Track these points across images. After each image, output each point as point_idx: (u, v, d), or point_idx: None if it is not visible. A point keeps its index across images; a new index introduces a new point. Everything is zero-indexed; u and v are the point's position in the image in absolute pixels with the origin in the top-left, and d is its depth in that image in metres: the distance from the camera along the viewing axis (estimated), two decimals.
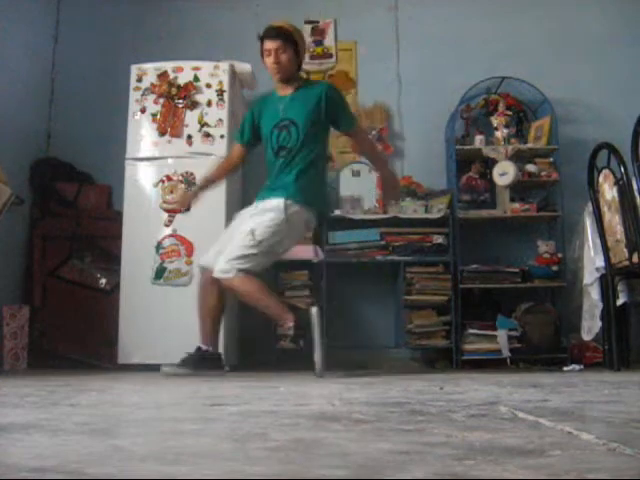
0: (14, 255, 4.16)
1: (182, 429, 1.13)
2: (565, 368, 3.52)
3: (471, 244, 4.21)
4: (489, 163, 4.32)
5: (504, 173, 4.13)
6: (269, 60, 3.04)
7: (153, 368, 3.48)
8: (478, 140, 4.30)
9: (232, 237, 2.99)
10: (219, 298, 3.04)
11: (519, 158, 4.24)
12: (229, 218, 3.79)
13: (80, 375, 3.09)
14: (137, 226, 3.76)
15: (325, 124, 3.07)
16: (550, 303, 4.20)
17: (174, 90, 3.86)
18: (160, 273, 3.69)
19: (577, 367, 3.52)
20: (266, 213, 2.95)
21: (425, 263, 4.10)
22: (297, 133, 3.01)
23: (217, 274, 2.91)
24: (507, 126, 4.30)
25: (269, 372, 3.44)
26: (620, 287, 3.42)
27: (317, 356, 2.81)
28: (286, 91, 3.10)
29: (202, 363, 2.98)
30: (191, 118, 3.84)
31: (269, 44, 3.02)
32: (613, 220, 3.31)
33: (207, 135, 3.82)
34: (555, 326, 4.07)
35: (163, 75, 3.89)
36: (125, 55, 4.34)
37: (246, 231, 2.92)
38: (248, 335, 4.10)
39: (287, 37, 3.02)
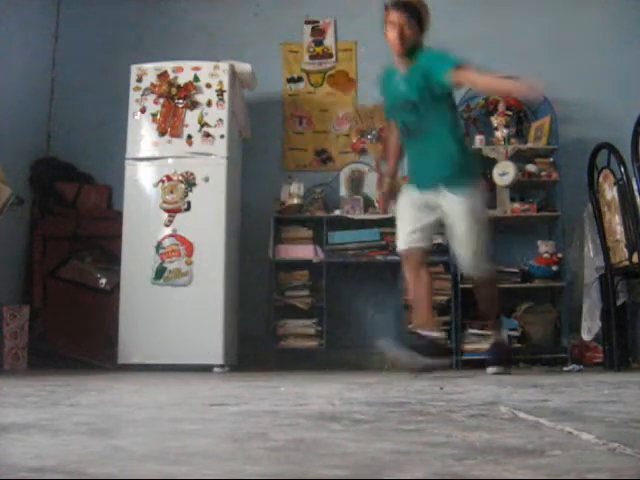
0: (14, 255, 4.16)
1: (182, 429, 1.13)
2: (565, 368, 3.52)
3: None
4: (489, 163, 4.31)
5: (504, 173, 4.13)
6: (392, 33, 2.93)
7: (153, 368, 3.48)
8: (478, 140, 4.30)
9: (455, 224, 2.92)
10: (430, 274, 3.08)
11: (519, 158, 4.24)
12: (229, 218, 3.80)
13: (80, 375, 3.09)
14: (137, 226, 3.76)
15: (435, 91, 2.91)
16: (550, 303, 4.20)
17: (174, 90, 3.86)
18: (160, 273, 3.69)
19: (577, 367, 3.51)
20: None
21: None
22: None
23: (479, 274, 3.00)
24: (507, 126, 4.30)
25: (269, 372, 3.45)
26: (620, 287, 3.42)
27: None
28: (403, 67, 3.00)
29: (435, 351, 2.85)
30: (191, 118, 3.84)
31: (394, 16, 2.92)
32: (613, 220, 3.31)
33: (207, 135, 3.82)
34: (555, 326, 4.07)
35: (163, 75, 3.89)
36: (125, 55, 4.34)
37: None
38: (248, 335, 4.10)
39: (413, 12, 2.95)
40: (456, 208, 2.88)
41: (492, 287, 3.12)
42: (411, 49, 2.94)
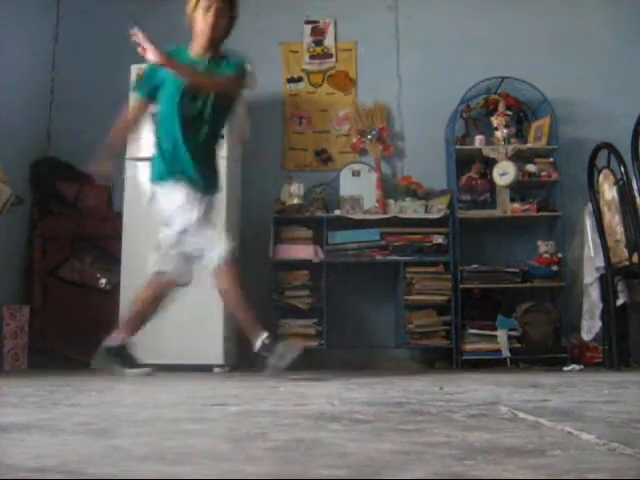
0: (14, 255, 4.16)
1: (182, 429, 1.13)
2: (565, 368, 3.52)
3: (471, 244, 4.21)
4: (489, 163, 4.31)
5: (504, 173, 4.13)
6: (208, 18, 2.77)
7: (153, 368, 3.48)
8: (478, 140, 4.30)
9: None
10: None
11: (519, 158, 4.24)
12: (229, 218, 3.80)
13: (80, 375, 3.09)
14: (137, 226, 3.76)
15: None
16: (550, 303, 4.20)
17: None
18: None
19: (577, 367, 3.51)
20: None
21: (425, 263, 4.10)
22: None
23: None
24: (507, 126, 4.30)
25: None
26: (620, 287, 3.42)
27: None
28: (204, 53, 2.85)
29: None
30: None
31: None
32: (613, 220, 3.31)
33: None
34: (555, 326, 4.07)
35: None
36: (125, 55, 4.33)
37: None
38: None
39: (232, 2, 2.84)
40: None
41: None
42: (219, 42, 2.87)
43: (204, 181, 2.80)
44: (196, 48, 2.86)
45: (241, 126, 4.26)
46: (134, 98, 3.06)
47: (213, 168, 2.91)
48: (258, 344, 2.72)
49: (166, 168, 2.79)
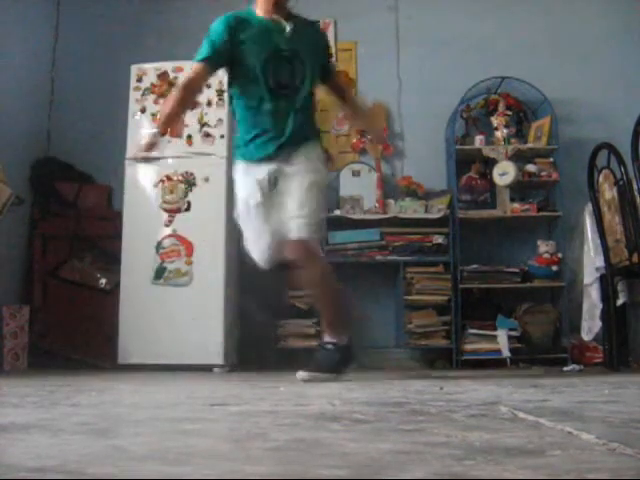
0: (14, 255, 4.16)
1: (182, 429, 1.13)
2: (565, 368, 3.52)
3: (471, 244, 4.21)
4: (489, 163, 4.31)
5: (504, 173, 4.13)
6: None
7: (153, 368, 3.48)
8: (478, 140, 4.30)
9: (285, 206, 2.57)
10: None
11: (519, 158, 4.24)
12: (229, 218, 3.80)
13: (80, 375, 3.09)
14: (137, 226, 3.76)
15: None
16: (550, 303, 4.20)
17: None
18: (160, 273, 3.69)
19: (577, 367, 3.51)
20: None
21: (425, 263, 4.09)
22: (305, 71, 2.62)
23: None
24: (507, 126, 4.30)
25: (269, 372, 3.44)
26: (620, 287, 3.42)
27: None
28: (279, 17, 2.62)
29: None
30: (191, 118, 3.83)
31: None
32: (613, 220, 3.31)
33: (207, 135, 3.82)
34: (555, 326, 4.07)
35: (163, 75, 3.89)
36: (125, 55, 4.34)
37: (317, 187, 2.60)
38: (248, 335, 4.09)
39: None
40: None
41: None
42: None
43: None
44: (261, 13, 2.64)
45: None
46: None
47: None
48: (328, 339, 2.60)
49: None
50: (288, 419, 1.22)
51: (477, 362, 3.91)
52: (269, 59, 2.58)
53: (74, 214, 4.27)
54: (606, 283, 3.43)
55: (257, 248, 2.66)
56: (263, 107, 2.60)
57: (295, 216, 2.54)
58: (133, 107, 3.88)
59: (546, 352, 3.96)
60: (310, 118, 2.76)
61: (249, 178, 2.65)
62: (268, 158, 2.60)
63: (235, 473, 0.72)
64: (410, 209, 4.22)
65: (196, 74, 2.69)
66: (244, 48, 2.59)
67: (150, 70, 3.91)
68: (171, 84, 3.86)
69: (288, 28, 2.61)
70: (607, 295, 3.41)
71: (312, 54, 2.66)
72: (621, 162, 3.19)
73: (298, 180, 2.59)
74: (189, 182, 3.76)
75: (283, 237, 2.56)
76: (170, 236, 3.73)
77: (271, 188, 2.62)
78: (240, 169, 2.71)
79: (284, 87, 2.59)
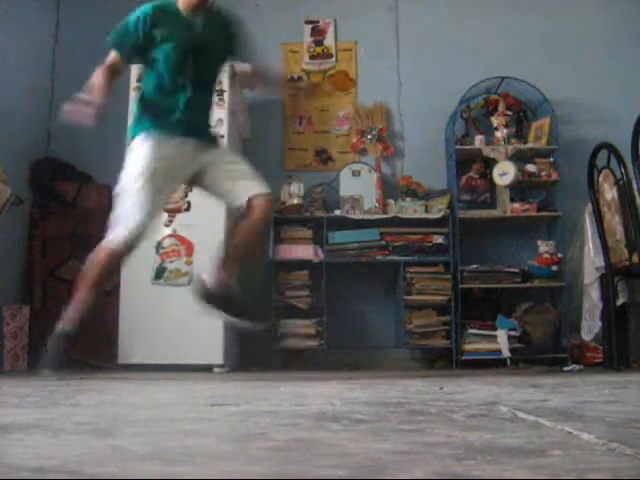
0: (14, 255, 4.16)
1: (182, 429, 1.13)
2: (565, 368, 3.52)
3: (471, 244, 4.21)
4: (489, 163, 4.32)
5: (504, 173, 4.13)
6: None
7: (153, 368, 3.49)
8: (478, 140, 4.30)
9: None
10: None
11: (519, 158, 4.24)
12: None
13: (80, 375, 3.09)
14: None
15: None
16: (550, 303, 4.20)
17: None
18: (160, 273, 3.69)
19: (577, 367, 3.52)
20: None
21: (425, 263, 4.10)
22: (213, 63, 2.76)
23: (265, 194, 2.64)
24: (507, 126, 4.30)
25: (269, 372, 3.45)
26: (620, 287, 3.42)
27: None
28: (194, 11, 2.69)
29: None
30: None
31: None
32: (613, 220, 3.31)
33: None
34: (555, 326, 4.07)
35: None
36: None
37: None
38: (248, 335, 4.09)
39: None
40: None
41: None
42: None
43: None
44: (183, 3, 2.70)
45: (242, 124, 4.26)
46: None
47: None
48: (212, 280, 2.67)
49: None
50: (288, 419, 1.22)
51: (477, 362, 3.91)
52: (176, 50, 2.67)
53: (74, 214, 4.27)
54: (606, 283, 3.43)
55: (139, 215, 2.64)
56: (169, 93, 2.70)
57: (245, 177, 2.67)
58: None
59: (546, 352, 3.96)
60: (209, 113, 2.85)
61: (152, 150, 2.67)
62: (179, 136, 2.67)
63: (235, 473, 0.72)
64: (410, 209, 4.22)
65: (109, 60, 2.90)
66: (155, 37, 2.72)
67: None
68: None
69: (197, 22, 2.70)
70: (607, 295, 3.41)
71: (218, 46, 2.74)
72: (621, 162, 3.19)
73: (218, 158, 2.73)
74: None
75: (231, 202, 2.70)
76: (170, 236, 3.73)
77: (184, 162, 2.70)
78: (143, 142, 2.71)
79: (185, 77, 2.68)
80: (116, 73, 2.87)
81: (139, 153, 2.68)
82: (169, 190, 2.82)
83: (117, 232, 2.63)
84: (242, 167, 2.75)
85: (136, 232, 2.62)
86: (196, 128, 2.72)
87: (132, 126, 2.82)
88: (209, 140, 2.79)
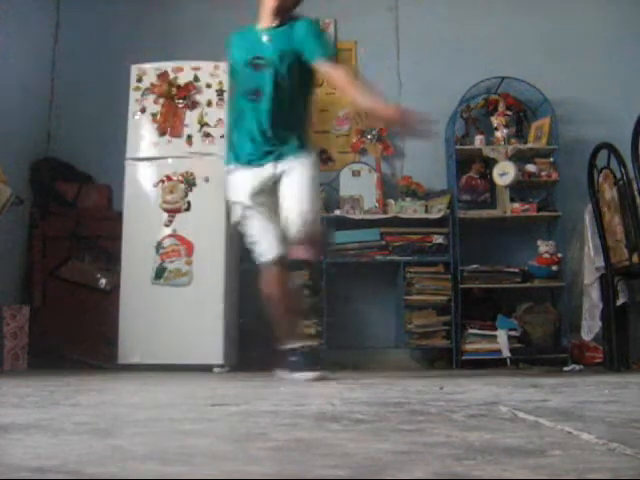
0: (14, 255, 4.16)
1: (182, 429, 1.13)
2: (565, 368, 3.52)
3: (471, 244, 4.21)
4: (489, 163, 4.31)
5: (504, 173, 4.13)
6: None
7: (153, 368, 3.49)
8: (478, 140, 4.30)
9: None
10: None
11: (519, 158, 4.24)
12: (229, 218, 3.79)
13: (80, 375, 3.09)
14: (137, 226, 3.76)
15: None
16: (550, 303, 4.20)
17: (174, 90, 3.86)
18: (160, 273, 3.69)
19: (577, 367, 3.52)
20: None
21: (425, 263, 4.10)
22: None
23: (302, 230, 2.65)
24: (507, 126, 4.30)
25: (269, 372, 3.44)
26: (620, 287, 3.42)
27: None
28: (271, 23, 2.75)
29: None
30: (191, 118, 3.84)
31: None
32: (613, 220, 3.31)
33: (207, 135, 3.82)
34: (555, 326, 4.07)
35: (163, 75, 3.89)
36: (125, 55, 4.34)
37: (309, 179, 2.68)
38: (248, 335, 4.09)
39: None
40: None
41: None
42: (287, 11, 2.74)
43: None
44: (263, 22, 2.80)
45: None
46: None
47: None
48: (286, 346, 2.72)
49: None
50: (288, 419, 1.22)
51: (477, 362, 3.91)
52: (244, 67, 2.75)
53: (74, 214, 4.26)
54: (606, 283, 3.43)
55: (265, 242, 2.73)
56: (246, 111, 2.73)
57: (295, 214, 2.66)
58: (133, 107, 3.88)
59: (546, 352, 3.96)
60: (294, 121, 2.78)
61: (242, 180, 2.74)
62: (256, 160, 2.71)
63: (235, 473, 0.72)
64: (410, 209, 4.22)
65: None
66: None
67: (150, 70, 3.91)
68: (171, 84, 3.87)
69: (265, 37, 2.75)
70: (607, 295, 3.41)
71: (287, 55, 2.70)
72: (621, 162, 3.19)
73: (290, 179, 2.68)
74: (189, 182, 3.76)
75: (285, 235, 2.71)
76: (170, 236, 3.73)
77: (264, 188, 2.71)
78: (233, 171, 2.79)
79: (253, 93, 2.70)
80: None
81: None
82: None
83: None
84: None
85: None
86: None
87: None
88: None
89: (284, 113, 2.69)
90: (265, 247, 2.72)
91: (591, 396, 1.80)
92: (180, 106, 3.85)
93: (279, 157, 2.69)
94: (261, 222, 2.72)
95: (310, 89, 2.83)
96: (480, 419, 1.19)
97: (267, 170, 2.70)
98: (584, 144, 3.96)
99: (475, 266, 4.10)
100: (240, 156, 2.74)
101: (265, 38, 2.74)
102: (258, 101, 2.68)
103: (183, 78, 3.88)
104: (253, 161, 2.71)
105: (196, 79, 3.88)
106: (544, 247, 4.11)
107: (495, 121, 4.32)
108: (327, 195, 4.40)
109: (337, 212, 4.27)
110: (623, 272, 3.34)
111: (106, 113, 4.42)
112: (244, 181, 2.71)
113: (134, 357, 3.60)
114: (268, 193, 2.71)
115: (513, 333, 3.97)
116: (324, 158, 4.61)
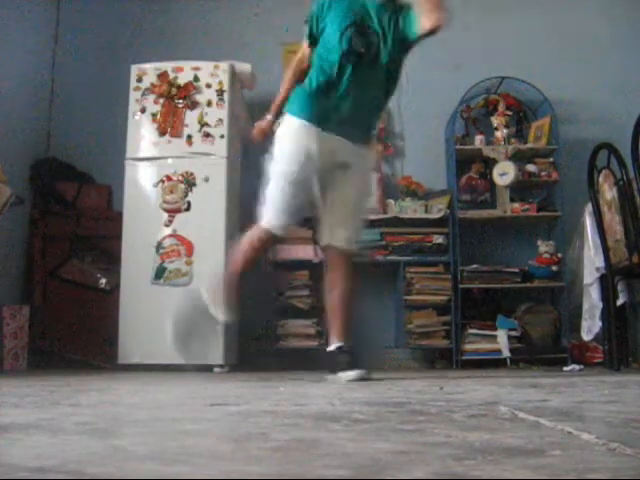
0: (14, 255, 4.16)
1: (182, 429, 1.13)
2: (565, 368, 3.52)
3: (471, 244, 4.21)
4: (489, 163, 4.32)
5: (504, 173, 4.13)
6: None
7: (153, 368, 3.49)
8: (478, 140, 4.30)
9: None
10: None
11: (519, 158, 4.24)
12: (229, 218, 3.80)
13: (80, 375, 3.09)
14: (137, 226, 3.76)
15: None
16: (550, 303, 4.20)
17: (174, 90, 3.86)
18: (160, 273, 3.69)
19: (577, 367, 3.51)
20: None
21: (425, 263, 4.10)
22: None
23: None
24: (507, 126, 4.30)
25: (269, 372, 3.44)
26: (620, 287, 3.42)
27: None
28: None
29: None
30: (191, 118, 3.84)
31: None
32: (613, 220, 3.31)
33: (207, 135, 3.82)
34: (555, 326, 4.07)
35: (163, 75, 3.89)
36: (125, 55, 4.34)
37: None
38: (248, 335, 4.09)
39: None
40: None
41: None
42: None
43: None
44: None
45: (242, 125, 4.26)
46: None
47: None
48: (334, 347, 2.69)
49: None
50: (288, 419, 1.22)
51: (477, 362, 3.91)
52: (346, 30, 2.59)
53: (74, 214, 4.27)
54: (606, 283, 3.42)
55: (282, 207, 2.57)
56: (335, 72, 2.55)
57: (344, 226, 2.63)
58: (133, 107, 3.88)
59: (546, 352, 3.96)
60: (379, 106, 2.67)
61: (310, 142, 2.54)
62: (331, 129, 2.51)
63: (235, 473, 0.72)
64: (410, 209, 4.22)
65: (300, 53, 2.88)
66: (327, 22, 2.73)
67: (150, 70, 3.91)
68: (171, 84, 3.87)
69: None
70: (607, 295, 3.41)
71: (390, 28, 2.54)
72: (621, 162, 3.19)
73: (353, 181, 2.59)
74: (189, 182, 3.76)
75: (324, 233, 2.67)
76: (170, 236, 3.73)
77: (329, 167, 2.54)
78: (299, 127, 2.59)
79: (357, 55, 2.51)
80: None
81: None
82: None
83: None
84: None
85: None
86: None
87: None
88: None
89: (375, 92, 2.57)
90: (277, 216, 2.56)
91: (591, 396, 1.80)
92: (180, 106, 3.85)
93: (354, 138, 2.54)
94: (300, 200, 2.57)
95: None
96: (480, 419, 1.19)
97: (337, 144, 2.52)
98: (584, 144, 3.96)
99: (475, 266, 4.10)
100: (320, 118, 2.51)
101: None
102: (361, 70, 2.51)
103: (183, 78, 3.89)
104: (331, 129, 2.51)
105: (196, 79, 3.88)
106: (544, 247, 4.12)
107: (495, 121, 4.32)
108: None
109: None
110: (623, 272, 3.34)
111: (106, 113, 4.43)
112: (315, 148, 2.51)
113: (134, 357, 3.60)
114: (328, 172, 2.55)
115: (513, 333, 3.97)
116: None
